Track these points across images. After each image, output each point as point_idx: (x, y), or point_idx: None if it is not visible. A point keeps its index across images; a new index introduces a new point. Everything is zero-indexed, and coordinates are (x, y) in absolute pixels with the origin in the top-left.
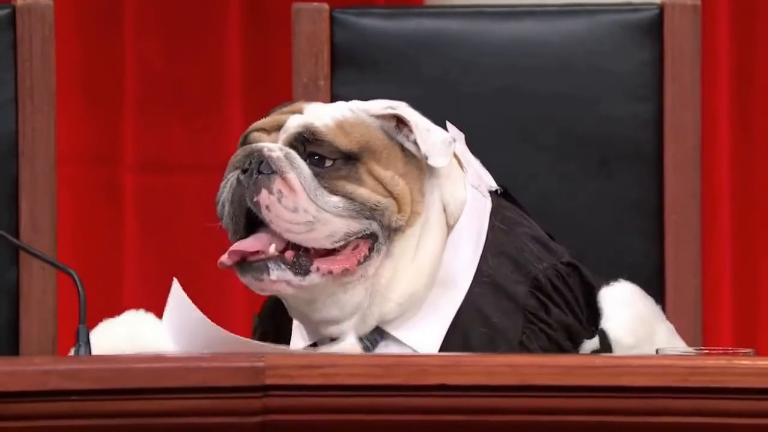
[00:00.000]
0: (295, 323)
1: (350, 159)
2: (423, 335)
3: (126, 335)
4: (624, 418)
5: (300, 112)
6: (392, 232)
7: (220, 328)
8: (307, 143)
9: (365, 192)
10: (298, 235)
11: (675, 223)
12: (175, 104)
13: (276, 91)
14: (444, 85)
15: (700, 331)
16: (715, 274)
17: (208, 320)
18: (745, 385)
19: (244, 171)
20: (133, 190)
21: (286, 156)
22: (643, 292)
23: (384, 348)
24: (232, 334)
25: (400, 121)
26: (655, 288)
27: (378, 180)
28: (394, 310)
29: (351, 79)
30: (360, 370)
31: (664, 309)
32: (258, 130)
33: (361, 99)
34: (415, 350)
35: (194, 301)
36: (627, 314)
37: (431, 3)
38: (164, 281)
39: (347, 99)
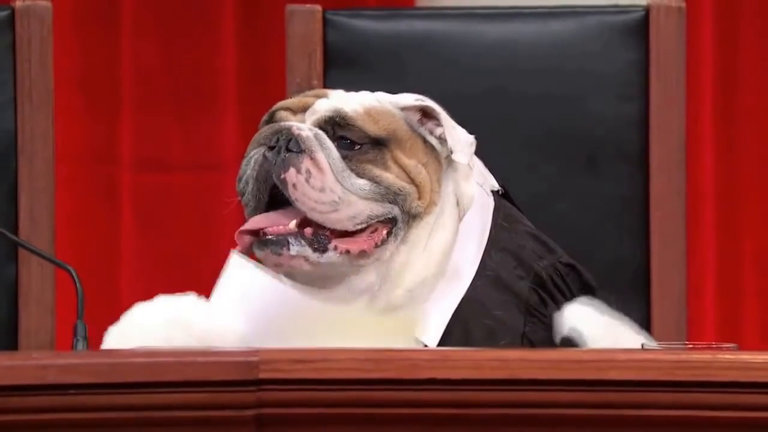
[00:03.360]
0: None
1: (377, 145)
2: (425, 325)
3: (168, 323)
4: (611, 411)
5: (325, 96)
6: (411, 218)
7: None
8: (336, 127)
9: (390, 177)
10: (322, 215)
11: (660, 220)
12: (171, 104)
13: (270, 91)
14: (434, 85)
15: (684, 326)
16: (699, 270)
17: (282, 285)
18: (729, 378)
19: (271, 148)
20: (131, 188)
21: (316, 136)
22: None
23: None
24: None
25: (425, 115)
26: (640, 284)
27: (402, 167)
28: (402, 296)
29: (343, 79)
30: (352, 364)
31: (648, 304)
32: (284, 109)
33: None
34: (416, 339)
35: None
36: (598, 322)
37: (422, 5)
38: (161, 278)
39: None
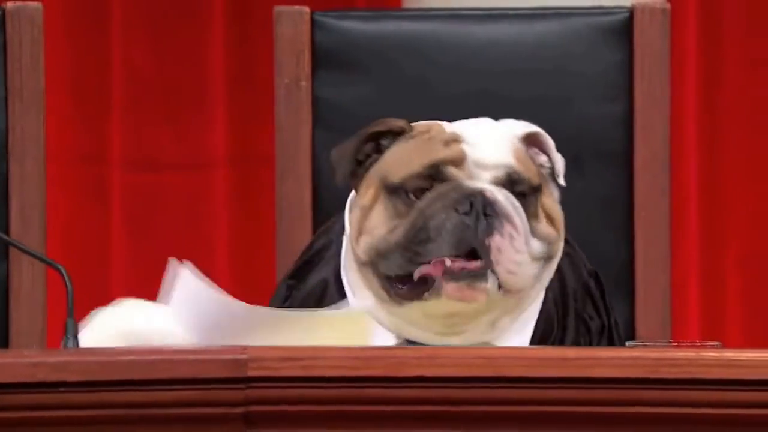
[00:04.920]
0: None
1: (534, 192)
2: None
3: (122, 327)
4: (596, 409)
5: (458, 139)
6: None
7: (237, 302)
8: (513, 184)
9: (545, 229)
10: (513, 276)
11: (644, 220)
12: (161, 104)
13: (259, 92)
14: (421, 86)
15: (669, 324)
16: (683, 269)
17: (225, 297)
18: (713, 376)
19: (465, 213)
20: (120, 187)
21: (507, 199)
22: None
23: None
24: (249, 305)
25: (529, 142)
26: (625, 282)
27: (546, 212)
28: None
29: (331, 80)
30: (340, 362)
31: (633, 303)
32: (447, 163)
33: (342, 98)
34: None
35: None
36: None
37: (409, 6)
38: (150, 276)
39: (328, 99)
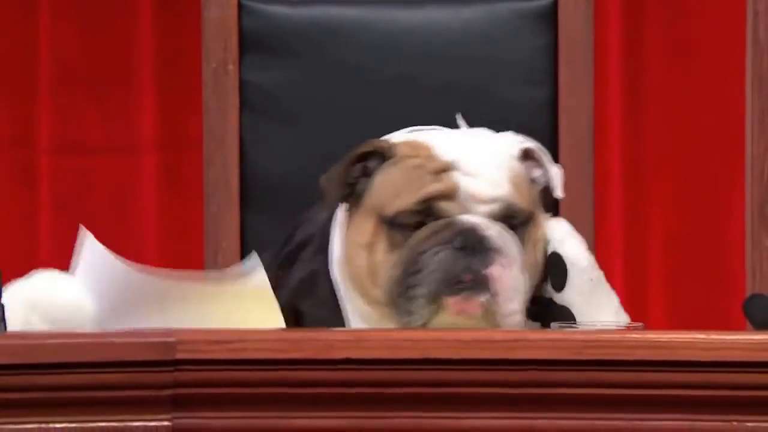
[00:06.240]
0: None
1: (527, 222)
2: None
3: (31, 299)
4: (521, 390)
5: (449, 168)
6: None
7: (139, 273)
8: (507, 218)
9: (529, 259)
10: (512, 304)
11: (569, 205)
12: (89, 88)
13: (187, 76)
14: (348, 71)
15: None
16: (607, 253)
17: (127, 267)
18: (636, 357)
19: (460, 248)
20: (48, 171)
21: (500, 234)
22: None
23: None
24: (151, 276)
25: (525, 157)
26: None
27: (533, 243)
28: None
29: (259, 64)
30: (268, 344)
31: None
32: (440, 198)
33: (269, 82)
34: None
35: None
36: (576, 240)
37: None
38: None
39: (256, 83)
